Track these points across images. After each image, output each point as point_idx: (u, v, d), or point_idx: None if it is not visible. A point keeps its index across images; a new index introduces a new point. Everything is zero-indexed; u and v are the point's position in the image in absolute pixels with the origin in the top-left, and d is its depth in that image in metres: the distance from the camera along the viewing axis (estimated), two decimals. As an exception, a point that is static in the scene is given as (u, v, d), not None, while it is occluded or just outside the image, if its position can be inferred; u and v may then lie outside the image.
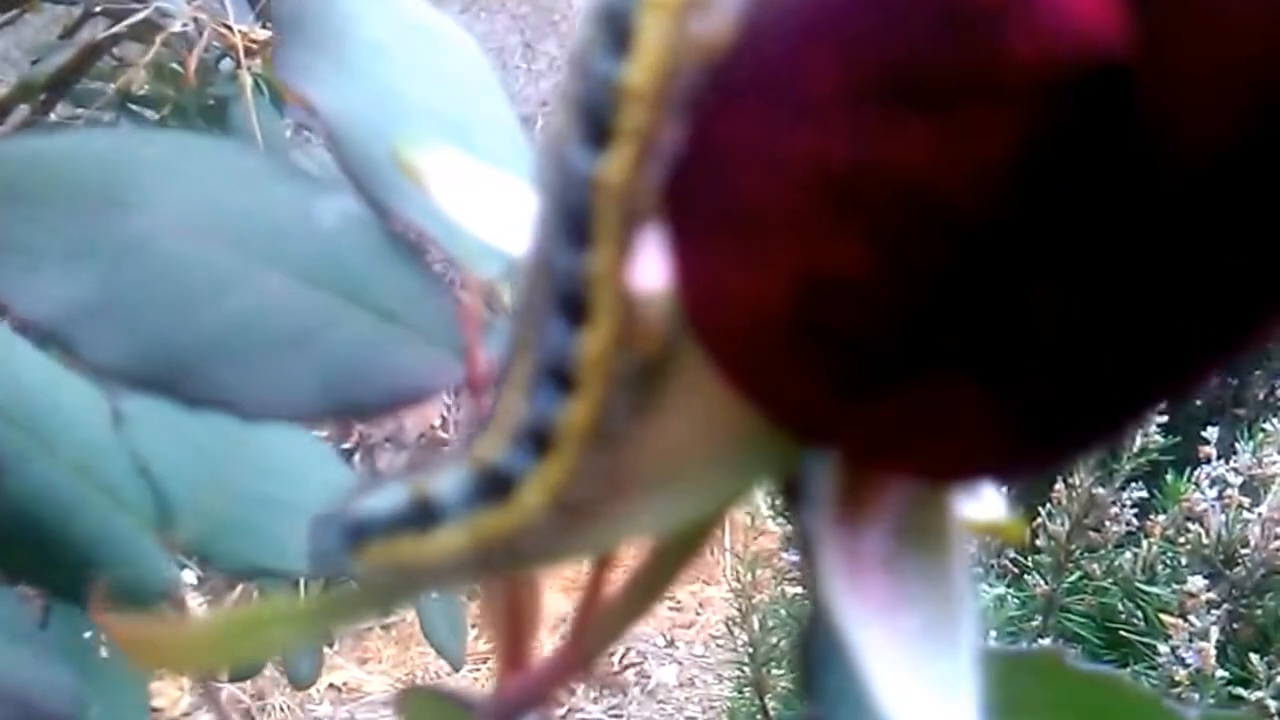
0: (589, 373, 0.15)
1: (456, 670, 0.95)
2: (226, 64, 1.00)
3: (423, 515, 0.17)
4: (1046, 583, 1.38)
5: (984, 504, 0.22)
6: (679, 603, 2.22)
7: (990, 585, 1.35)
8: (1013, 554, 1.42)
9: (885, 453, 0.15)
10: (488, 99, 0.30)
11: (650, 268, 0.15)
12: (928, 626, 0.16)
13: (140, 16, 0.90)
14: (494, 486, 0.16)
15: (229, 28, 0.92)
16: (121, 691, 0.46)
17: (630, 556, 0.23)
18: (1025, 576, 1.40)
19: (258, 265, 0.25)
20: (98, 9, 1.02)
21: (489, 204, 0.20)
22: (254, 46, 0.92)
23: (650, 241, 0.15)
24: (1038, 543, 1.38)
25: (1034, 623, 1.36)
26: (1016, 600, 1.37)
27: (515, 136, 0.29)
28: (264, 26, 0.95)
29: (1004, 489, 0.21)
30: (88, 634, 0.45)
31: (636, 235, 0.15)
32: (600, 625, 0.23)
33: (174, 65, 0.96)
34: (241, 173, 0.26)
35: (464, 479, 0.16)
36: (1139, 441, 1.43)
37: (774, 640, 1.48)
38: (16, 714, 0.25)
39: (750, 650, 1.46)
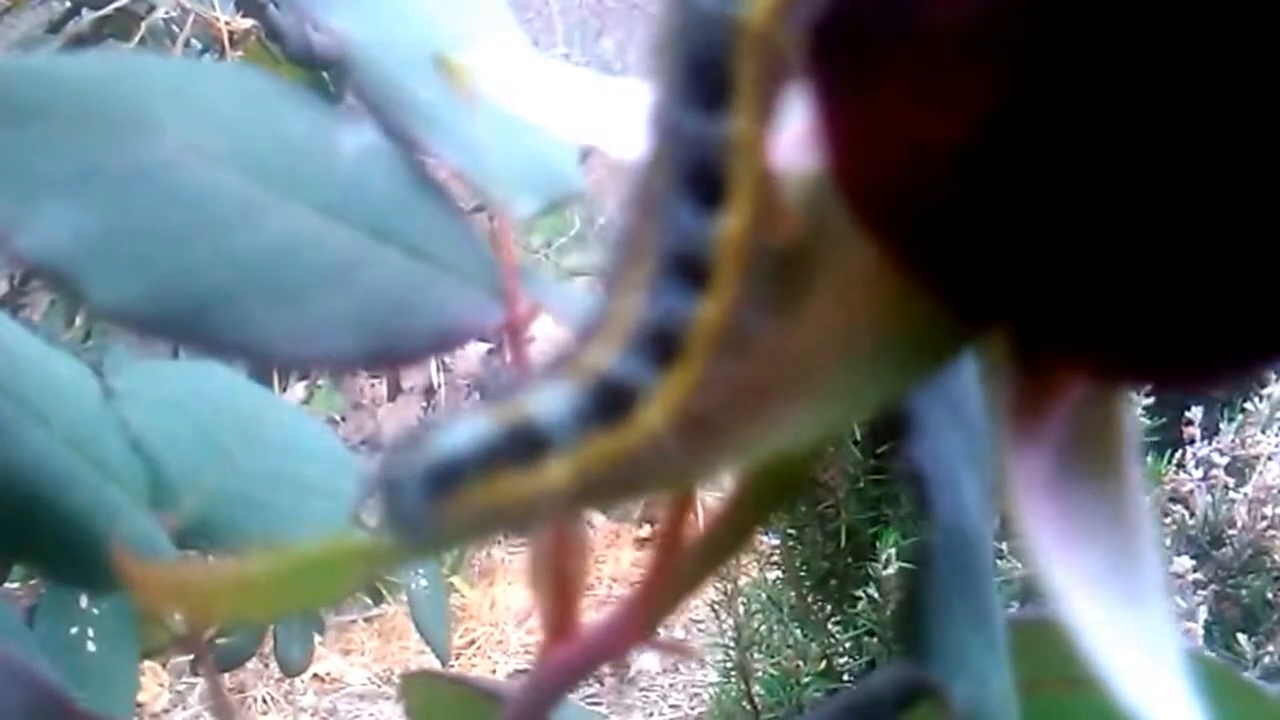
0: (725, 261, 0.13)
1: (444, 663, 0.93)
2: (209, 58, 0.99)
3: (522, 445, 0.14)
4: (1025, 566, 1.37)
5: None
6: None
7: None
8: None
9: (1062, 336, 0.13)
10: (500, 20, 0.28)
11: (789, 137, 0.13)
12: (1113, 568, 0.13)
13: (124, 1, 0.88)
14: (609, 402, 0.13)
15: (216, 17, 0.91)
16: (109, 686, 0.44)
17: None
18: (1000, 561, 1.39)
19: (280, 197, 0.22)
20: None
21: (550, 94, 0.18)
22: (237, 35, 0.91)
23: (789, 105, 0.13)
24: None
25: (1011, 608, 1.35)
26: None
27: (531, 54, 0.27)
28: (244, 15, 0.94)
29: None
30: (74, 630, 0.43)
31: (779, 93, 0.12)
32: (671, 585, 0.21)
33: (159, 60, 0.95)
34: (259, 98, 0.24)
35: (571, 397, 0.14)
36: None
37: (756, 624, 1.46)
38: (20, 689, 0.22)
39: (735, 635, 1.45)
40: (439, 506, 0.14)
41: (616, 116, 0.16)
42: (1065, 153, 0.11)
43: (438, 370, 2.17)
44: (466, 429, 0.14)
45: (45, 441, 0.31)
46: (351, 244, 0.22)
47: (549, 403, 0.14)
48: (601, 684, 2.08)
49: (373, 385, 2.11)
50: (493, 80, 0.19)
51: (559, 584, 0.23)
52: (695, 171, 0.12)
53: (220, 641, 1.01)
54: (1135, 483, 0.14)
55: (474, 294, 0.24)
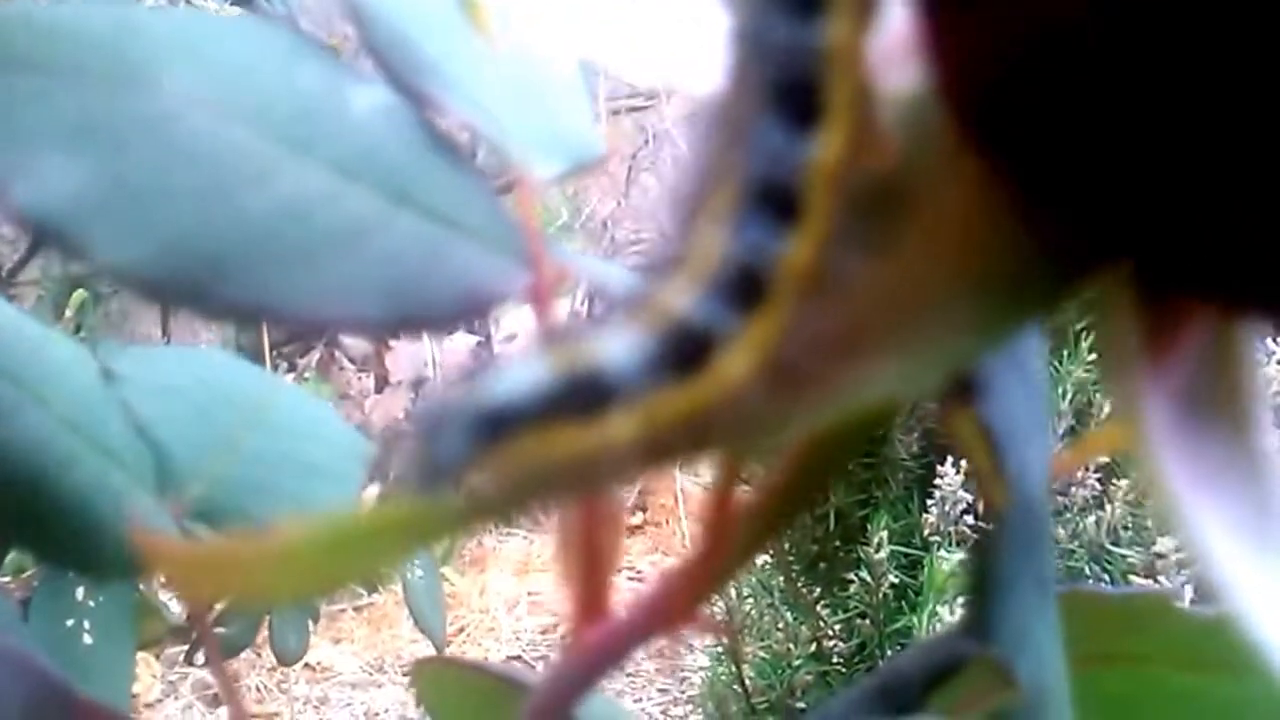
0: (818, 190, 0.11)
1: (439, 651, 0.91)
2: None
3: (585, 395, 0.12)
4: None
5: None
6: (639, 572, 2.17)
7: (949, 552, 1.33)
8: (972, 520, 1.40)
9: (1191, 268, 0.12)
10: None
11: (883, 49, 0.12)
12: (1249, 517, 0.12)
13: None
14: (684, 349, 0.12)
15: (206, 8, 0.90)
16: (106, 678, 0.43)
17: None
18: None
19: (291, 154, 0.21)
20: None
21: (590, 23, 0.16)
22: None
23: (883, 11, 0.11)
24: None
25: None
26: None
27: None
28: (233, 5, 0.93)
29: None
30: (70, 622, 0.42)
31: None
32: (722, 559, 0.20)
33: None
34: (267, 50, 0.22)
35: (640, 343, 0.12)
36: (1106, 406, 1.42)
37: (747, 608, 1.46)
38: (23, 681, 0.21)
39: (726, 619, 1.44)
40: (484, 457, 0.13)
41: (661, 43, 0.14)
42: (1240, 39, 0.10)
43: (428, 363, 2.15)
44: (523, 374, 0.13)
45: (44, 423, 0.29)
46: (368, 204, 0.21)
47: (616, 349, 0.12)
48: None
49: (360, 378, 2.09)
50: (521, 18, 0.17)
51: (590, 561, 0.22)
52: (785, 87, 0.11)
53: (217, 632, 1.00)
54: (1262, 425, 0.13)
55: (497, 258, 0.22)
